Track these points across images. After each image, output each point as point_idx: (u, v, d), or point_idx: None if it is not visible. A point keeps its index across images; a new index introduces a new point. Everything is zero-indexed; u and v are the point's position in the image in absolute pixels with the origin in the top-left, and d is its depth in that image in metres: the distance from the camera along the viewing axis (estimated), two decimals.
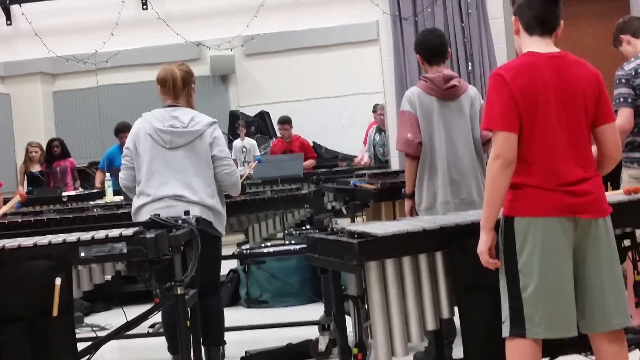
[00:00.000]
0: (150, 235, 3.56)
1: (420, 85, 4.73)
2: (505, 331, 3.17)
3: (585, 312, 3.17)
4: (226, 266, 6.73)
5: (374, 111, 10.73)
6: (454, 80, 4.69)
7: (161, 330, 5.21)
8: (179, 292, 3.74)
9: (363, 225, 3.77)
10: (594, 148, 3.30)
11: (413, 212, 4.72)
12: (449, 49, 4.90)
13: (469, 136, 4.69)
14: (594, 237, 3.14)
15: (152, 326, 6.01)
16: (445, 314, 3.45)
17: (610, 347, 3.19)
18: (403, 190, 4.81)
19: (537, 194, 3.10)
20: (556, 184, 3.10)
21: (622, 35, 5.02)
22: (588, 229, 3.13)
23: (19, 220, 5.33)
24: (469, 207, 4.39)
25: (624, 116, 4.68)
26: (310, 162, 10.22)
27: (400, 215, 5.02)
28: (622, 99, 4.72)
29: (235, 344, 5.27)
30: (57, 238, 3.53)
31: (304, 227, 7.87)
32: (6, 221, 5.22)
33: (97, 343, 4.02)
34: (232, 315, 5.87)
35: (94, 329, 6.12)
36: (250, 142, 11.94)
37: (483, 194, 3.24)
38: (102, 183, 7.65)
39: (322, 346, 5.09)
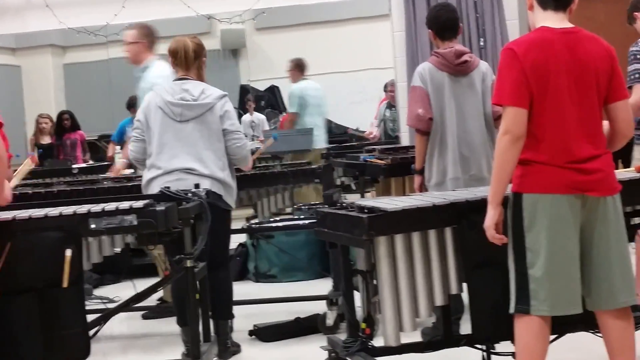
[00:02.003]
0: (160, 207, 3.56)
1: (431, 60, 4.71)
2: (511, 307, 3.17)
3: (591, 290, 3.17)
4: (235, 240, 6.74)
5: (385, 90, 10.69)
6: (465, 56, 4.66)
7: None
8: (188, 265, 3.76)
9: (373, 200, 3.76)
10: (605, 124, 3.29)
11: (422, 188, 4.72)
12: (461, 24, 4.86)
13: (480, 112, 4.67)
14: (602, 215, 3.13)
15: (160, 299, 6.04)
16: (454, 290, 3.45)
17: (616, 324, 3.19)
18: (413, 166, 4.80)
19: (546, 170, 3.10)
20: (565, 161, 3.09)
21: (635, 12, 4.97)
22: (596, 206, 3.12)
23: (30, 191, 5.35)
24: (479, 183, 4.38)
25: (638, 92, 4.64)
26: None
27: (410, 191, 5.01)
28: (637, 75, 4.68)
29: (243, 317, 5.29)
30: (68, 209, 3.55)
31: (313, 202, 7.87)
32: (17, 192, 5.23)
33: (107, 315, 4.05)
34: (241, 289, 5.89)
35: (103, 301, 6.15)
36: (259, 116, 11.93)
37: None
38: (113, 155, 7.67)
39: (330, 321, 5.10)
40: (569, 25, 3.21)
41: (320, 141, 8.67)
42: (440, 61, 4.64)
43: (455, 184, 4.54)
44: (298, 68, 8.86)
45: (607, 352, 3.22)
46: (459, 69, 4.64)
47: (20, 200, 4.97)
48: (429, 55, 4.80)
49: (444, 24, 4.72)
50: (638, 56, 4.72)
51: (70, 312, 3.48)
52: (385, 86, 10.41)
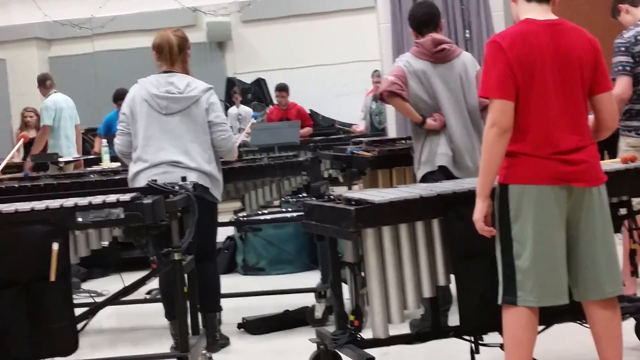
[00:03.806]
0: (147, 201, 3.56)
1: (411, 50, 4.75)
2: (499, 298, 3.19)
3: (578, 280, 3.19)
4: (223, 233, 6.74)
5: (373, 76, 10.70)
6: (444, 44, 4.68)
7: (158, 296, 5.23)
8: (176, 258, 3.75)
9: (360, 193, 3.77)
10: (590, 116, 3.30)
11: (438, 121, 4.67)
12: (442, 20, 4.87)
13: (461, 102, 4.66)
14: (587, 206, 3.15)
15: (149, 292, 6.04)
16: (442, 282, 3.47)
17: (603, 314, 3.21)
18: (416, 124, 4.72)
19: (531, 161, 3.11)
20: (550, 152, 3.11)
21: (620, 5, 4.99)
22: (582, 197, 3.14)
23: (16, 185, 5.33)
24: (464, 174, 4.40)
25: (622, 84, 4.67)
26: (307, 130, 10.21)
27: (397, 183, 5.02)
28: (620, 67, 4.71)
29: (231, 310, 5.29)
30: (54, 203, 3.54)
31: (300, 195, 7.87)
32: (3, 186, 5.22)
33: (94, 308, 4.04)
34: (229, 282, 5.89)
35: (91, 294, 6.13)
36: (245, 109, 11.90)
37: (477, 162, 3.24)
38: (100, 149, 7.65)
39: (318, 313, 5.11)
40: (553, 16, 3.22)
41: (74, 152, 8.89)
42: (419, 50, 4.67)
43: (445, 160, 4.54)
44: (41, 84, 9.01)
45: (594, 343, 3.24)
46: (437, 56, 4.65)
47: (6, 193, 4.96)
48: None
49: (420, 20, 4.75)
50: (622, 48, 4.74)
51: (57, 306, 3.48)
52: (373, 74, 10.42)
